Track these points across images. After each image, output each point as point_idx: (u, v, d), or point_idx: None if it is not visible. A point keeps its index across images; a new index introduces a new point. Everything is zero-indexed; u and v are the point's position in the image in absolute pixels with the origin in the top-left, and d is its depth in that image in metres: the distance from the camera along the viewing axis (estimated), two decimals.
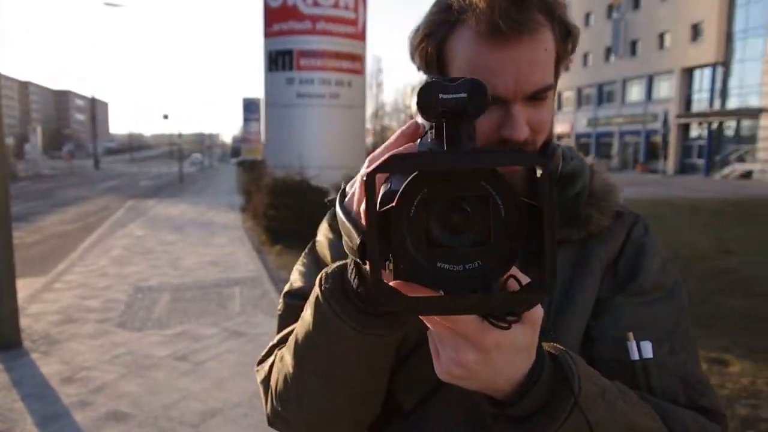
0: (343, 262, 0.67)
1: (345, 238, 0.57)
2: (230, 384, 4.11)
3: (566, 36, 0.78)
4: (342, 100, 13.00)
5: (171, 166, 47.51)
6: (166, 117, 45.43)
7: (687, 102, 37.91)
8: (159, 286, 7.14)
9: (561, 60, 0.80)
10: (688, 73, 37.42)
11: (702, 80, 36.78)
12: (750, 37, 33.28)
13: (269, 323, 5.59)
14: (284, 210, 10.02)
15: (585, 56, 45.70)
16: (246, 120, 45.59)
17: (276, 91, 13.06)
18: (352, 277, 0.63)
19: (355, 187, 0.58)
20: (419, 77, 0.88)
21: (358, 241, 0.52)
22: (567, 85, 46.13)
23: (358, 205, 0.55)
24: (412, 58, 0.85)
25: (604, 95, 44.61)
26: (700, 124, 37.02)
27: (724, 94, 35.18)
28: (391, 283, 0.45)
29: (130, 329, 5.39)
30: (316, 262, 0.92)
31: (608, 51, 43.60)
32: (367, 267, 0.55)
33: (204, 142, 67.06)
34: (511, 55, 0.73)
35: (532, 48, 0.74)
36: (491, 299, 0.45)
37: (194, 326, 5.50)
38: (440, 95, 0.44)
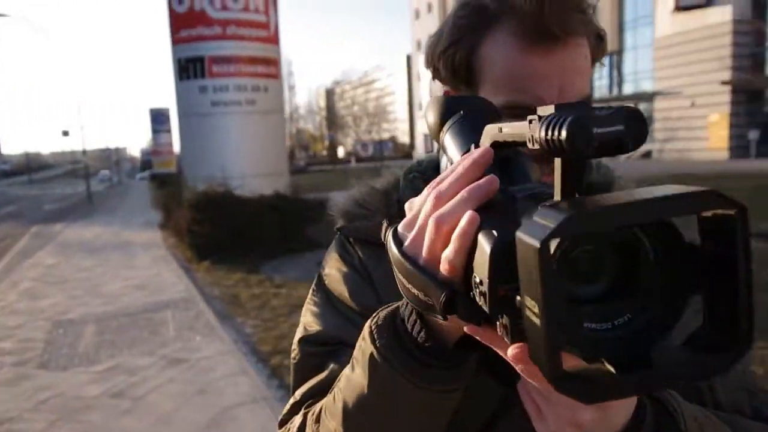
0: (388, 309, 0.59)
1: (412, 290, 0.49)
2: (177, 417, 3.85)
3: (599, 41, 0.73)
4: (259, 106, 12.64)
5: (76, 186, 44.67)
6: (66, 133, 42.53)
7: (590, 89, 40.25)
8: (81, 317, 6.61)
9: (592, 67, 0.75)
10: None
11: (601, 68, 38.99)
12: (639, 26, 35.73)
13: (208, 346, 5.31)
14: (209, 224, 9.65)
15: None
16: (155, 131, 43.62)
17: (189, 100, 12.51)
18: (416, 329, 0.54)
19: (424, 229, 0.49)
20: (435, 87, 0.79)
21: (442, 296, 0.45)
22: None
23: (431, 253, 0.47)
24: (431, 66, 0.77)
25: None
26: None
27: (620, 80, 37.58)
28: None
29: (53, 369, 4.94)
30: (328, 299, 0.81)
31: None
32: (443, 321, 0.48)
33: (111, 157, 63.48)
34: (558, 62, 0.67)
35: (577, 53, 0.69)
36: (684, 368, 0.37)
37: (127, 358, 5.12)
38: (595, 129, 0.35)
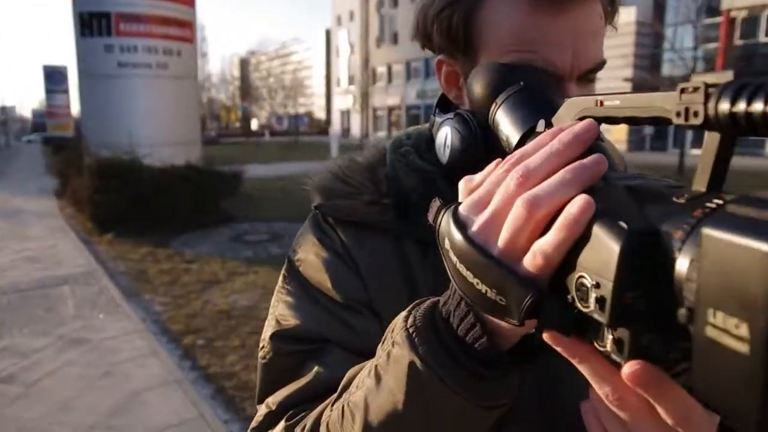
0: (423, 307, 0.48)
1: (478, 286, 0.39)
2: (77, 403, 3.54)
3: (611, 2, 0.67)
4: (171, 71, 11.90)
5: None
6: None
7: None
8: None
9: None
10: None
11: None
12: None
13: (113, 325, 4.94)
14: (113, 194, 9.03)
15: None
16: (49, 91, 40.31)
17: (92, 60, 11.51)
18: (473, 334, 0.45)
19: (504, 211, 0.40)
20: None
21: (528, 297, 0.36)
22: (396, 58, 47.73)
23: (513, 242, 0.38)
24: (421, 33, 0.68)
25: (431, 69, 46.52)
26: None
27: None
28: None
29: None
30: (305, 289, 0.70)
31: None
32: (517, 325, 0.39)
33: None
34: (572, 23, 0.60)
35: (593, 13, 0.62)
36: None
37: (18, 339, 4.65)
38: None
